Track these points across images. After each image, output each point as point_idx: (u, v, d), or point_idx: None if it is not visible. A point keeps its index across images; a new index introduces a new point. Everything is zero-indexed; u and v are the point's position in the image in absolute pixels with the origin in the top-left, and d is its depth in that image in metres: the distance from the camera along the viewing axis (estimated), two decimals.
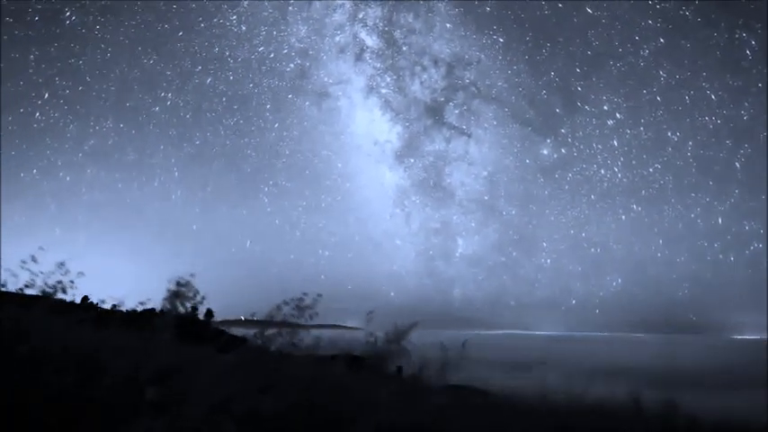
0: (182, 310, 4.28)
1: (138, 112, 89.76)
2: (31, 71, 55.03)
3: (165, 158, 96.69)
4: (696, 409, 3.36)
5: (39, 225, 66.36)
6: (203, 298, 4.42)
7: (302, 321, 4.26)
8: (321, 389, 2.97)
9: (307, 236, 64.88)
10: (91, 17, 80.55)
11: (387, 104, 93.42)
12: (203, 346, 4.23)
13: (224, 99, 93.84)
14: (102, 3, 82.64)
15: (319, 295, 4.21)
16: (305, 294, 4.15)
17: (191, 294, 4.29)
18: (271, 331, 4.19)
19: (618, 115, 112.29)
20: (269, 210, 78.54)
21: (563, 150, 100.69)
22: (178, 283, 4.21)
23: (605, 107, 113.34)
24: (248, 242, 76.98)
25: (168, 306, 4.24)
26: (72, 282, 4.67)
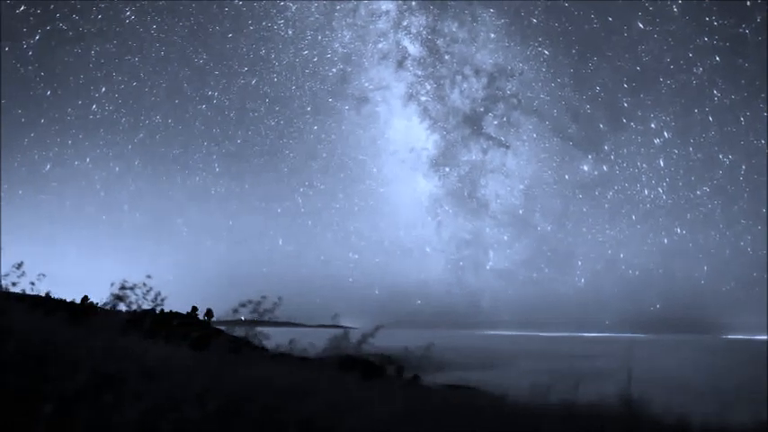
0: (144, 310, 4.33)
1: (185, 109, 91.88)
2: (91, 66, 57.07)
3: (207, 155, 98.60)
4: (691, 412, 3.39)
5: (88, 212, 67.30)
6: (163, 300, 4.44)
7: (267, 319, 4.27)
8: (294, 391, 2.89)
9: (338, 238, 65.40)
10: (148, 17, 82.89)
11: (425, 112, 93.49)
12: (179, 345, 4.25)
13: (267, 100, 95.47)
14: (160, 3, 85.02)
15: (280, 298, 4.22)
16: (264, 297, 4.17)
17: (150, 297, 4.30)
18: (240, 329, 4.22)
19: (666, 134, 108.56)
20: (303, 210, 79.30)
21: (604, 167, 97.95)
22: (122, 287, 4.23)
23: (652, 125, 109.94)
24: (280, 241, 77.51)
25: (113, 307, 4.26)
26: (33, 283, 4.71)
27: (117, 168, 56.75)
